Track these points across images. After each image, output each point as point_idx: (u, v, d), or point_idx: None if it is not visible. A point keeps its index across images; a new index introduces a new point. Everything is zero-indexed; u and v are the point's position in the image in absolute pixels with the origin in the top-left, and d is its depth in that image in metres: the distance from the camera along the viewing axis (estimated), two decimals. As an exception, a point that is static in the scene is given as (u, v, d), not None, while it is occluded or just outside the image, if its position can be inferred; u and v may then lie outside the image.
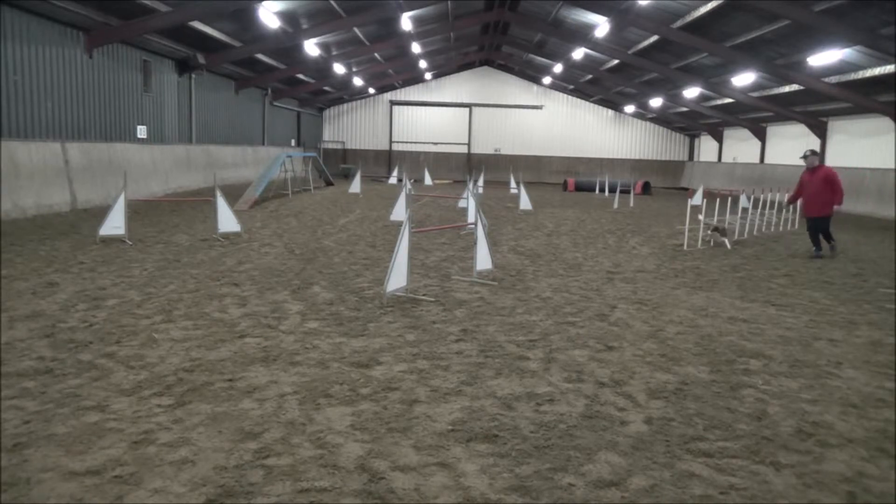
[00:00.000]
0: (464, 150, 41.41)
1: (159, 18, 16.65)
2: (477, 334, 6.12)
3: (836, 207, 11.43)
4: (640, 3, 18.59)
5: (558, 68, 33.00)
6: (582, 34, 25.24)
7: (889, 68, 18.15)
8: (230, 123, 26.83)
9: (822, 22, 16.13)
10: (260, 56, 24.07)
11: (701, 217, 13.23)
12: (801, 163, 12.07)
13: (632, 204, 23.89)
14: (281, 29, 21.04)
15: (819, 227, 11.81)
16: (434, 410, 4.27)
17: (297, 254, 10.37)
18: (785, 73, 21.63)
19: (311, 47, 23.51)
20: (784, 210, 16.52)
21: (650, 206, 23.90)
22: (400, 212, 14.81)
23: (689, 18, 19.23)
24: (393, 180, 32.52)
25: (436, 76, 40.29)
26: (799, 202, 12.58)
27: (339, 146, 41.64)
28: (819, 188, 11.49)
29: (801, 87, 22.22)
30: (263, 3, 17.88)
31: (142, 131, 19.52)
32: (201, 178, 22.31)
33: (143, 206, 16.09)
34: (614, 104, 39.42)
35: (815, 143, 26.84)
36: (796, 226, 17.26)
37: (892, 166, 22.16)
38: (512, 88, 41.08)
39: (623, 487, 3.37)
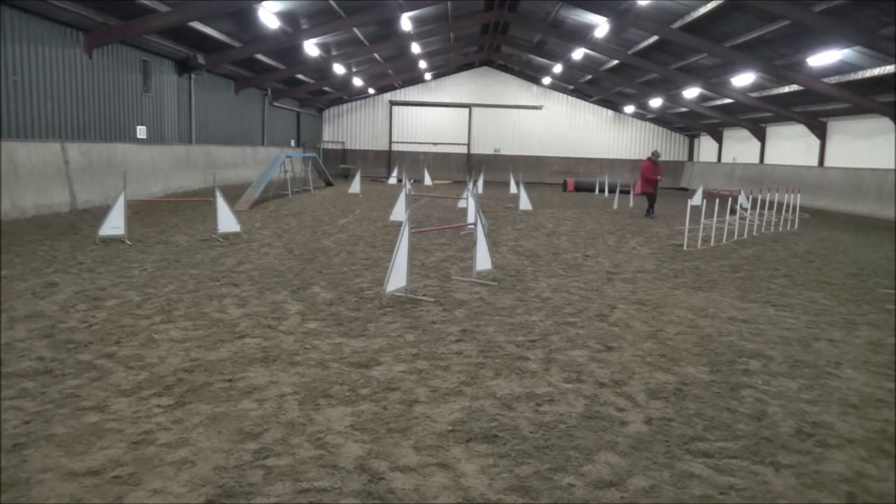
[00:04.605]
0: (463, 150, 41.40)
1: (159, 19, 16.64)
2: (477, 334, 6.12)
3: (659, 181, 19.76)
4: (640, 3, 18.58)
5: (558, 68, 32.99)
6: (582, 34, 25.24)
7: (889, 69, 18.16)
8: (230, 124, 26.82)
9: (822, 22, 16.13)
10: (260, 56, 24.06)
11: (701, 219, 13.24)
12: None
13: (631, 204, 23.88)
14: (281, 29, 21.03)
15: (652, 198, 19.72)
16: (434, 411, 4.27)
17: (297, 254, 10.37)
18: (785, 74, 21.63)
19: (311, 47, 23.50)
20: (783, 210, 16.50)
21: (650, 207, 23.88)
22: (400, 212, 14.81)
23: (688, 19, 19.22)
24: (393, 180, 32.54)
25: (436, 76, 40.27)
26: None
27: (339, 146, 41.62)
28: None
29: (801, 88, 22.22)
30: (263, 3, 17.87)
31: (141, 131, 19.51)
32: (201, 178, 22.30)
33: (142, 207, 16.08)
34: (614, 104, 39.42)
35: (814, 144, 26.90)
36: (796, 226, 17.27)
37: (892, 166, 22.17)
38: (512, 89, 41.06)
39: (623, 488, 3.37)
